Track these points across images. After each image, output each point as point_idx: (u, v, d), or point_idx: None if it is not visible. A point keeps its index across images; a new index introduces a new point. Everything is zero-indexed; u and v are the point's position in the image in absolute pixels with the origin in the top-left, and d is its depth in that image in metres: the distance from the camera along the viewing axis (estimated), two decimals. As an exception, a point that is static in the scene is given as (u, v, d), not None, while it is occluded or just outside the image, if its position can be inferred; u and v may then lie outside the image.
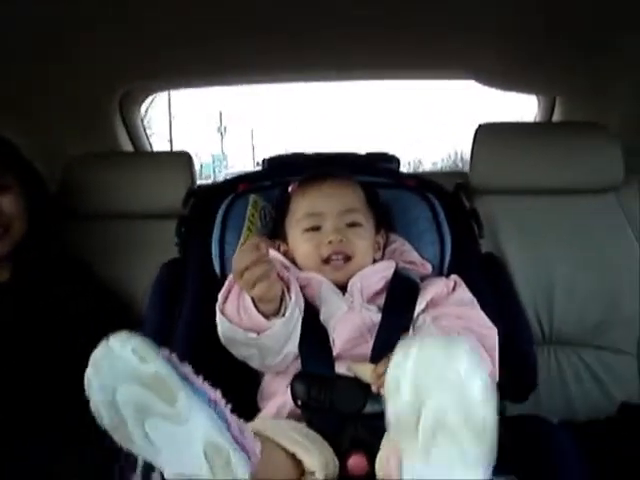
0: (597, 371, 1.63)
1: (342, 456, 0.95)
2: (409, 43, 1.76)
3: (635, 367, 1.63)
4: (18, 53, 1.59)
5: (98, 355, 0.72)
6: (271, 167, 1.45)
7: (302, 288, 1.13)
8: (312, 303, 1.12)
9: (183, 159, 1.78)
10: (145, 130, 2.41)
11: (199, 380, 0.76)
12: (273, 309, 1.00)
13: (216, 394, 0.77)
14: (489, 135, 1.70)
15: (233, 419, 0.76)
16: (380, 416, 0.95)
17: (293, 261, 1.21)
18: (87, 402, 0.73)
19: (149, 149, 2.43)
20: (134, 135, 2.29)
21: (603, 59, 1.71)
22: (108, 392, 0.70)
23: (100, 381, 0.71)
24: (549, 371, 1.64)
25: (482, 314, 1.10)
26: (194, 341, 1.19)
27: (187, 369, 0.75)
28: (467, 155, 1.73)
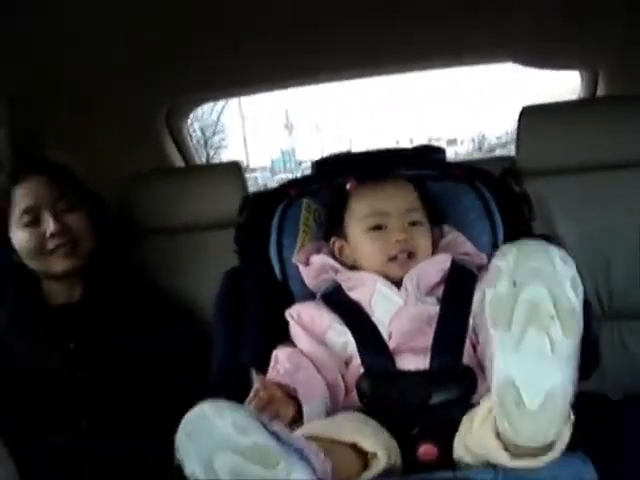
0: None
1: (412, 445, 0.97)
2: (442, 30, 1.76)
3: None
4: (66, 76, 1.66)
5: (194, 422, 0.74)
6: (320, 170, 1.49)
7: (354, 288, 1.18)
8: (363, 303, 1.16)
9: (233, 169, 1.84)
10: (192, 140, 2.47)
11: (290, 435, 0.79)
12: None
13: (304, 442, 0.80)
14: (533, 116, 1.69)
15: (317, 459, 0.79)
16: (445, 405, 1.01)
17: (344, 261, 1.26)
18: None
19: (198, 162, 2.48)
20: (183, 149, 2.35)
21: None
22: (205, 459, 0.72)
23: (197, 449, 0.72)
24: (612, 346, 1.64)
25: None
26: (262, 342, 1.22)
27: (279, 428, 0.77)
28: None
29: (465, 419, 0.95)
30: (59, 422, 1.34)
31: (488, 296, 0.82)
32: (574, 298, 0.79)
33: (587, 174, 1.68)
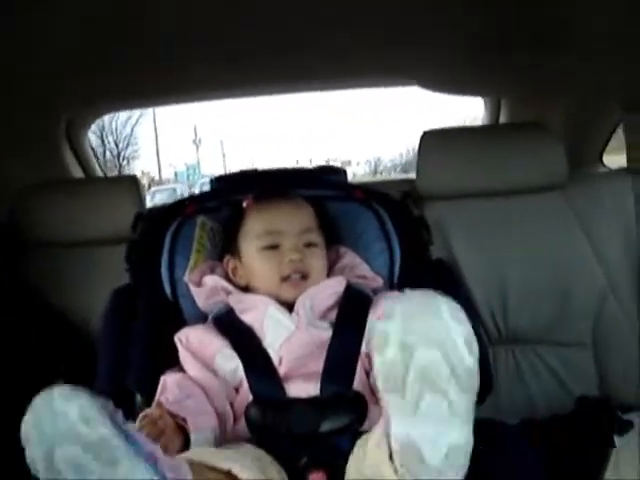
0: (554, 366, 1.66)
1: (301, 475, 0.95)
2: (349, 52, 1.76)
3: (591, 359, 1.66)
4: None
5: (40, 406, 0.70)
6: (219, 186, 1.45)
7: (246, 311, 1.15)
8: (255, 326, 1.12)
9: (130, 183, 1.78)
10: (96, 154, 2.39)
11: (140, 436, 0.75)
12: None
13: (156, 448, 0.76)
14: (434, 141, 1.72)
15: (168, 467, 0.75)
16: (335, 433, 0.98)
17: (238, 282, 1.23)
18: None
19: (100, 174, 2.40)
20: (84, 161, 2.26)
21: (548, 62, 1.74)
22: (47, 448, 0.68)
23: (39, 435, 0.69)
24: (507, 370, 1.67)
25: None
26: (148, 365, 1.18)
27: (130, 426, 0.74)
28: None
29: (357, 445, 0.93)
30: None
31: (377, 362, 0.77)
32: (468, 356, 0.75)
33: (486, 199, 1.71)
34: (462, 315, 0.77)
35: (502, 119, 2.19)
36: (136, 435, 0.74)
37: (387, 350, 0.75)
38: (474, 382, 0.76)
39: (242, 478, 0.87)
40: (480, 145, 1.72)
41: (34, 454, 0.69)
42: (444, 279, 1.35)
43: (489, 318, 1.65)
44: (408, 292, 0.79)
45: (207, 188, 1.47)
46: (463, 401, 0.75)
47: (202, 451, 0.92)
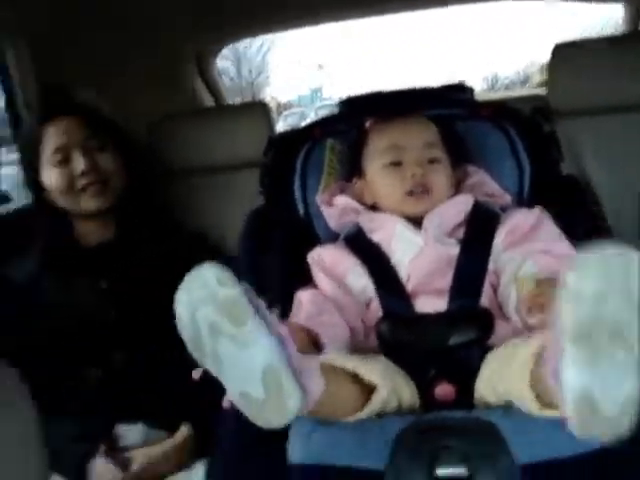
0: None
1: (429, 387, 0.98)
2: None
3: None
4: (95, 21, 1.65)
5: (189, 278, 0.77)
6: (345, 109, 1.47)
7: (375, 230, 1.18)
8: (384, 245, 1.16)
9: (261, 109, 1.83)
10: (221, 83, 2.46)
11: (271, 314, 0.81)
12: None
13: (284, 329, 0.82)
14: (566, 53, 1.64)
15: (296, 355, 0.80)
16: (463, 346, 1.00)
17: (365, 202, 1.25)
18: None
19: (230, 102, 2.48)
20: (213, 89, 2.34)
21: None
22: (191, 310, 0.76)
23: (187, 299, 0.76)
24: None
25: (570, 247, 1.07)
26: (284, 283, 1.23)
27: (261, 303, 0.80)
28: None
29: (491, 359, 0.95)
30: (92, 358, 1.38)
31: (567, 313, 0.74)
32: None
33: (623, 114, 1.63)
34: None
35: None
36: (267, 313, 0.80)
37: (578, 302, 0.73)
38: None
39: (368, 379, 0.91)
40: (618, 56, 1.62)
41: (182, 314, 0.77)
42: (576, 196, 1.32)
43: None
44: (602, 246, 0.77)
45: (324, 112, 1.48)
46: None
47: (331, 355, 0.96)
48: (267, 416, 0.77)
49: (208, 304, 0.75)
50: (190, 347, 0.78)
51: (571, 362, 0.74)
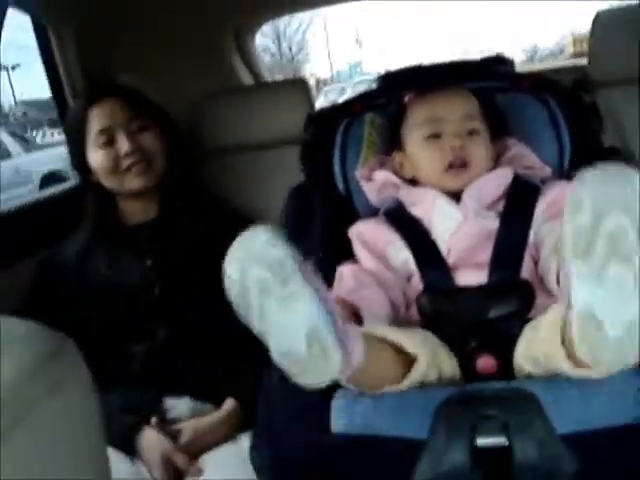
0: None
1: (470, 359, 0.99)
2: None
3: None
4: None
5: (241, 238, 0.80)
6: (385, 84, 1.47)
7: (415, 204, 1.19)
8: (424, 219, 1.16)
9: (300, 85, 1.84)
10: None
11: (317, 279, 0.82)
12: None
13: (329, 294, 0.83)
14: (609, 22, 1.61)
15: (340, 319, 0.82)
16: (503, 318, 1.01)
17: (404, 176, 1.26)
18: None
19: (268, 79, 2.48)
20: (252, 66, 2.35)
21: None
22: (241, 269, 0.78)
23: (238, 259, 0.78)
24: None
25: None
26: (325, 258, 1.24)
27: (309, 268, 0.81)
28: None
29: (528, 328, 0.96)
30: (137, 333, 1.43)
31: (567, 227, 0.77)
32: None
33: None
34: None
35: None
36: (312, 275, 0.81)
37: (578, 215, 0.75)
38: None
39: (408, 350, 0.93)
40: None
41: (232, 273, 0.79)
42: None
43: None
44: (602, 164, 0.78)
45: (362, 87, 1.48)
46: None
47: (374, 326, 0.98)
48: (309, 375, 0.79)
49: (258, 263, 0.77)
50: (237, 306, 0.80)
51: (574, 278, 0.76)
